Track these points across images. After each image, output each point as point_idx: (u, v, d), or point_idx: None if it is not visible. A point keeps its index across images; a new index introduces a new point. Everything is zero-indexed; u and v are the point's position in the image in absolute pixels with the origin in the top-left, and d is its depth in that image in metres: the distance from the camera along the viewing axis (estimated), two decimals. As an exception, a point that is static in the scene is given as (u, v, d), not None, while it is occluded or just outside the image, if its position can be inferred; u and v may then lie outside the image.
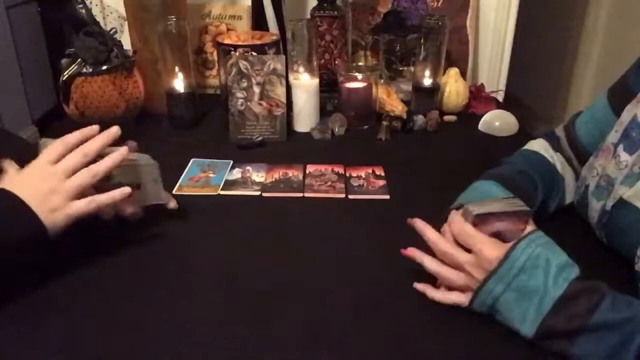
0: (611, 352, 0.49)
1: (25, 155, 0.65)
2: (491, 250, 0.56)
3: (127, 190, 0.66)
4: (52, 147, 0.64)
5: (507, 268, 0.54)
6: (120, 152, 0.66)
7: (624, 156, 0.63)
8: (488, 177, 0.72)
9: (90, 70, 0.99)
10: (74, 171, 0.63)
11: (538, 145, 0.78)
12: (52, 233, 0.61)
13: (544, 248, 0.55)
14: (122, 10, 1.17)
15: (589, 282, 0.52)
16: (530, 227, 0.58)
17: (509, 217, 0.58)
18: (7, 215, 0.59)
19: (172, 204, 0.75)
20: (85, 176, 0.63)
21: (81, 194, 0.63)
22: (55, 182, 0.62)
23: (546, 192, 0.73)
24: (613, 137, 0.66)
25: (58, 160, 0.63)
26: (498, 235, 0.58)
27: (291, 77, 1.08)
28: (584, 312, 0.50)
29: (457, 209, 0.63)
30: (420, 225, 0.62)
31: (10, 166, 0.65)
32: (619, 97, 0.70)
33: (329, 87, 1.19)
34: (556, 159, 0.76)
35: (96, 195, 0.64)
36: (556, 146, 0.78)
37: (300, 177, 0.90)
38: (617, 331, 0.49)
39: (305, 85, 1.08)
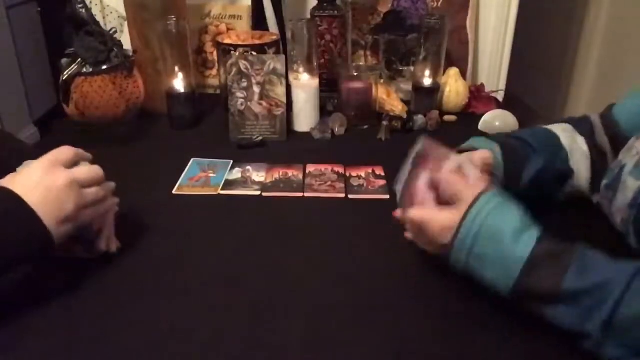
0: (580, 317, 0.49)
1: (22, 157, 0.63)
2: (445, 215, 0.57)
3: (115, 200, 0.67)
4: (63, 151, 0.61)
5: (460, 242, 0.55)
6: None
7: None
8: (487, 136, 0.74)
9: (90, 70, 0.99)
10: (87, 183, 0.61)
11: (556, 126, 0.77)
12: (58, 242, 0.59)
13: (494, 215, 0.54)
14: (122, 10, 1.17)
15: (554, 246, 0.51)
16: (480, 186, 0.57)
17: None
18: (15, 229, 0.55)
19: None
20: (102, 193, 0.62)
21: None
22: (69, 191, 0.58)
23: (547, 159, 0.72)
24: None
25: (68, 164, 0.60)
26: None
27: (291, 77, 1.08)
28: (552, 278, 0.49)
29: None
30: (402, 213, 0.62)
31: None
32: None
33: (329, 87, 1.19)
34: (571, 140, 0.74)
35: (101, 202, 0.63)
36: (586, 130, 0.75)
37: (300, 177, 0.90)
38: (587, 297, 0.48)
39: (305, 85, 1.08)
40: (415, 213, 0.60)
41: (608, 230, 0.69)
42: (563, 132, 0.75)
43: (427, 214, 0.59)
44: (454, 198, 0.58)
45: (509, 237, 0.52)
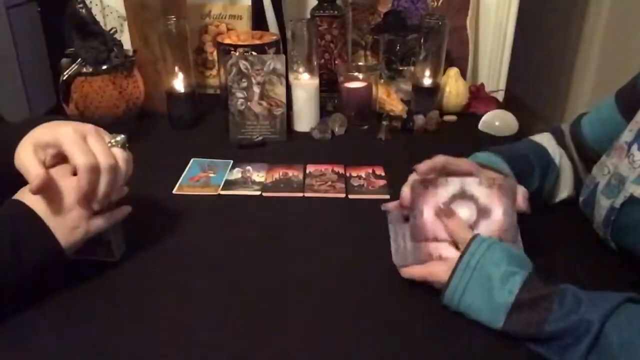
0: (560, 351, 0.51)
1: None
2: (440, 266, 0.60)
3: (129, 208, 0.66)
4: (78, 154, 0.59)
5: (453, 288, 0.57)
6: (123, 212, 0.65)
7: (638, 155, 0.63)
8: (488, 149, 0.75)
9: (90, 70, 0.99)
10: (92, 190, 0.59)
11: (542, 137, 0.80)
12: (69, 252, 0.60)
13: (483, 261, 0.56)
14: (122, 10, 1.17)
15: (536, 291, 0.53)
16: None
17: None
18: (25, 237, 0.56)
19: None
20: (112, 199, 0.61)
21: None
22: (75, 198, 0.59)
23: (542, 178, 0.74)
24: (627, 136, 0.67)
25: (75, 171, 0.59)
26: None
27: (291, 77, 1.08)
28: (534, 324, 0.52)
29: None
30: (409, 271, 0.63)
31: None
32: (627, 100, 0.71)
33: (329, 87, 1.19)
34: (557, 152, 0.77)
35: (114, 211, 0.63)
36: (560, 140, 0.79)
37: (300, 177, 0.90)
38: (567, 335, 0.50)
39: (305, 85, 1.08)
40: (418, 270, 0.62)
41: (592, 231, 0.71)
42: (550, 146, 0.78)
43: (427, 270, 0.61)
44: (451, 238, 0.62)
45: (496, 283, 0.55)
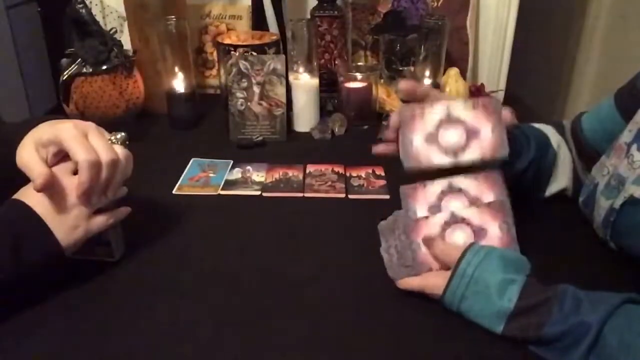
0: (560, 353, 0.51)
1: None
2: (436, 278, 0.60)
3: (128, 209, 0.66)
4: (79, 154, 0.58)
5: (450, 296, 0.57)
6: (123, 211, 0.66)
7: (638, 156, 0.63)
8: None
9: (90, 70, 0.99)
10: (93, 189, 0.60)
11: (541, 125, 0.80)
12: (69, 252, 0.60)
13: (480, 269, 0.56)
14: (122, 10, 1.17)
15: (535, 296, 0.53)
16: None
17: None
18: (25, 237, 0.56)
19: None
20: (110, 197, 0.62)
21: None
22: (76, 197, 0.59)
23: (539, 155, 0.74)
24: (627, 136, 0.66)
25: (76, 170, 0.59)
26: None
27: (291, 77, 1.08)
28: (535, 326, 0.52)
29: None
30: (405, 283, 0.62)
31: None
32: (626, 100, 0.71)
33: (329, 87, 1.19)
34: (555, 139, 0.77)
35: (114, 211, 0.63)
36: (560, 133, 0.79)
37: (300, 177, 0.90)
38: (567, 337, 0.50)
39: (305, 85, 1.08)
40: (415, 282, 0.62)
41: (592, 231, 0.71)
42: (549, 132, 0.78)
43: (424, 282, 0.61)
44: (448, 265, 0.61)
45: (494, 291, 0.54)
